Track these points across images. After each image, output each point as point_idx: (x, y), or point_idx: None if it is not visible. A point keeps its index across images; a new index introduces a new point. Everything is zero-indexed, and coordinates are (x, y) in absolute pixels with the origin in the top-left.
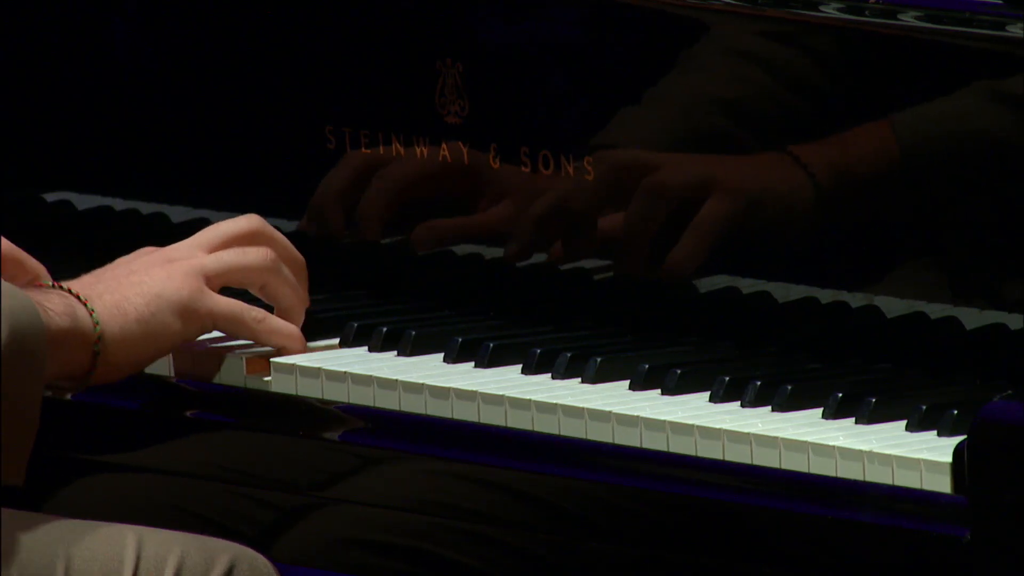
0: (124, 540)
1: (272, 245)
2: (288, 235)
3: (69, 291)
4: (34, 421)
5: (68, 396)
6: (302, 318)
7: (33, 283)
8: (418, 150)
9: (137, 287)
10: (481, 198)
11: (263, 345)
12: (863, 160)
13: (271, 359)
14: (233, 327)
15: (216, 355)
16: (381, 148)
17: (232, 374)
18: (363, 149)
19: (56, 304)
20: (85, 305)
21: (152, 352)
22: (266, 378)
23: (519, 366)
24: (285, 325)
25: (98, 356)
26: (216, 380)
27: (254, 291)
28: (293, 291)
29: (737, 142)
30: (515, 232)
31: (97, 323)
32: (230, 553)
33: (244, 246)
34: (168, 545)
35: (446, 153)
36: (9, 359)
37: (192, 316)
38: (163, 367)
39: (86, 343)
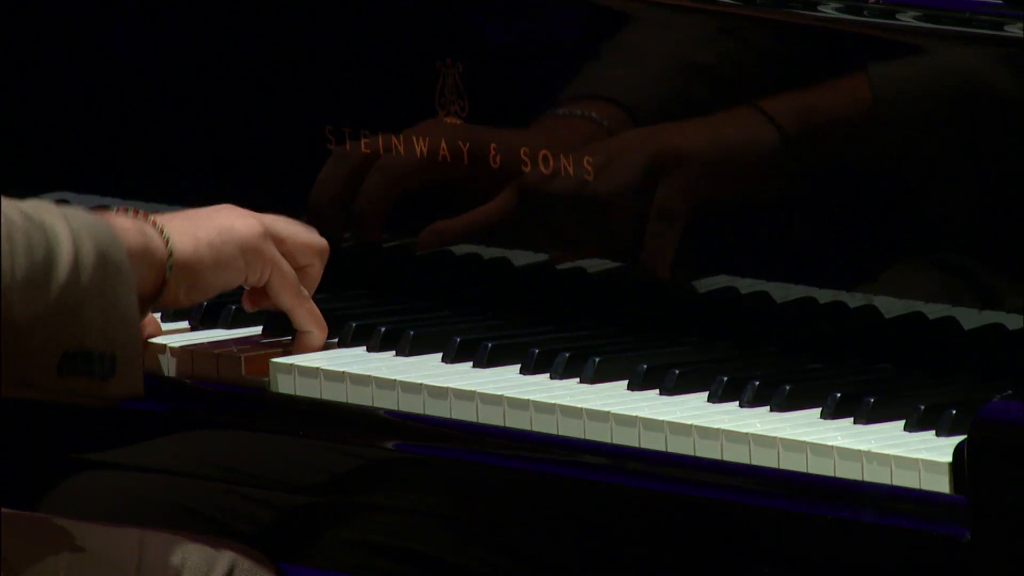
0: (126, 541)
1: None
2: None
3: (137, 213)
4: (138, 330)
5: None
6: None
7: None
8: (418, 150)
9: (208, 219)
10: (481, 198)
11: (295, 322)
12: (856, 150)
13: (271, 359)
14: (282, 288)
15: (215, 355)
16: (380, 147)
17: (232, 374)
18: (347, 145)
19: (127, 224)
20: (155, 226)
21: (219, 282)
22: (265, 378)
23: (518, 366)
24: (318, 313)
25: (169, 276)
26: (216, 380)
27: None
28: (314, 288)
29: (712, 105)
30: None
31: (168, 241)
32: (232, 554)
33: None
34: (169, 546)
35: (446, 153)
36: (103, 272)
37: (257, 257)
38: (166, 366)
39: (158, 262)
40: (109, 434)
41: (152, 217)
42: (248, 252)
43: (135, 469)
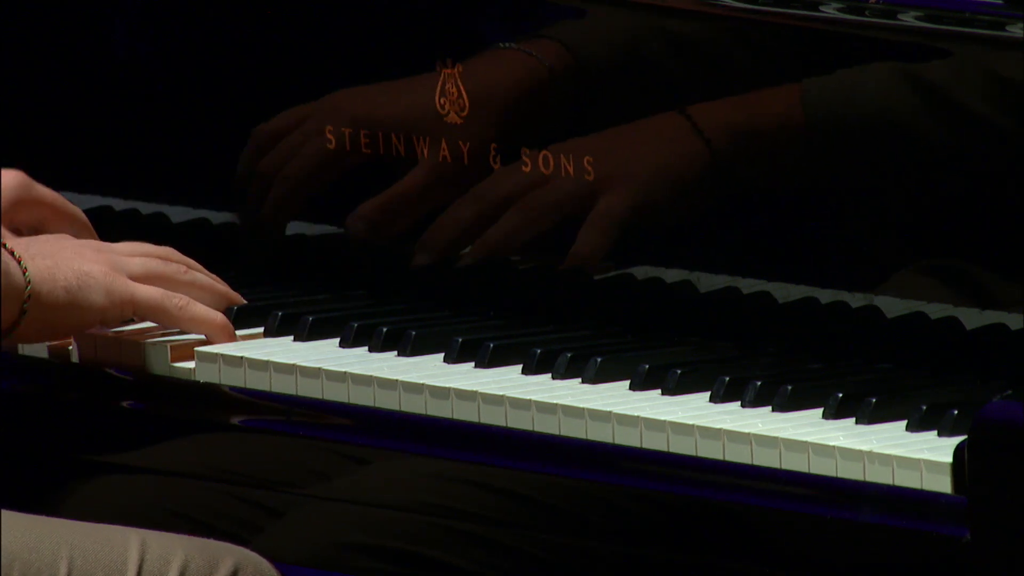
0: (128, 543)
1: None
2: (286, 236)
3: (4, 245)
4: None
5: None
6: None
7: None
8: (418, 150)
9: (69, 260)
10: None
11: (188, 333)
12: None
13: (271, 361)
14: (155, 314)
15: (215, 356)
16: (381, 148)
17: (233, 374)
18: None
19: None
20: (19, 263)
21: (72, 324)
22: (260, 375)
23: (519, 366)
24: (208, 312)
25: (25, 313)
26: (221, 382)
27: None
28: (212, 295)
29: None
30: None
31: (29, 282)
32: (234, 557)
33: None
34: (172, 548)
35: (446, 153)
36: None
37: (115, 298)
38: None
39: (17, 297)
40: (110, 435)
41: (19, 253)
42: (107, 295)
43: (136, 471)
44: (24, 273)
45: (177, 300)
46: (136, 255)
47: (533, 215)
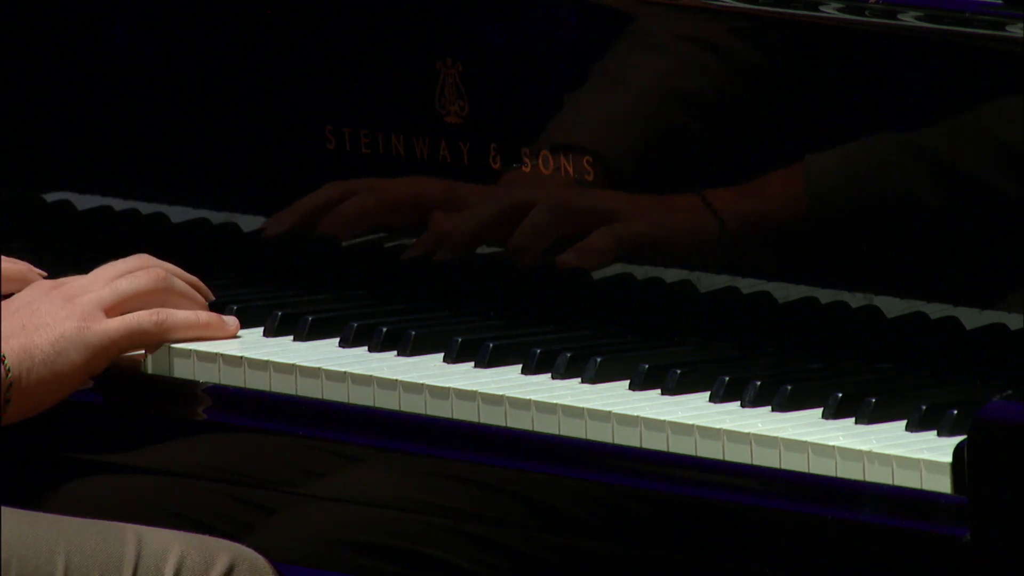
0: (124, 539)
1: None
2: (286, 236)
3: None
4: None
5: None
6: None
7: None
8: (418, 151)
9: (43, 330)
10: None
11: (179, 342)
12: (864, 160)
13: (271, 361)
14: (137, 342)
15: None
16: (381, 148)
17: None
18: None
19: None
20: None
21: (59, 391)
22: (260, 375)
23: (519, 366)
24: (187, 316)
25: (9, 402)
26: (221, 381)
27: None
28: (190, 302)
29: (696, 138)
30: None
31: (9, 371)
32: (230, 553)
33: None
34: (168, 544)
35: (446, 153)
36: None
37: (95, 349)
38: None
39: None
40: (108, 434)
41: None
42: (85, 351)
43: (134, 471)
44: (3, 362)
45: (154, 317)
46: (110, 279)
47: (560, 217)
